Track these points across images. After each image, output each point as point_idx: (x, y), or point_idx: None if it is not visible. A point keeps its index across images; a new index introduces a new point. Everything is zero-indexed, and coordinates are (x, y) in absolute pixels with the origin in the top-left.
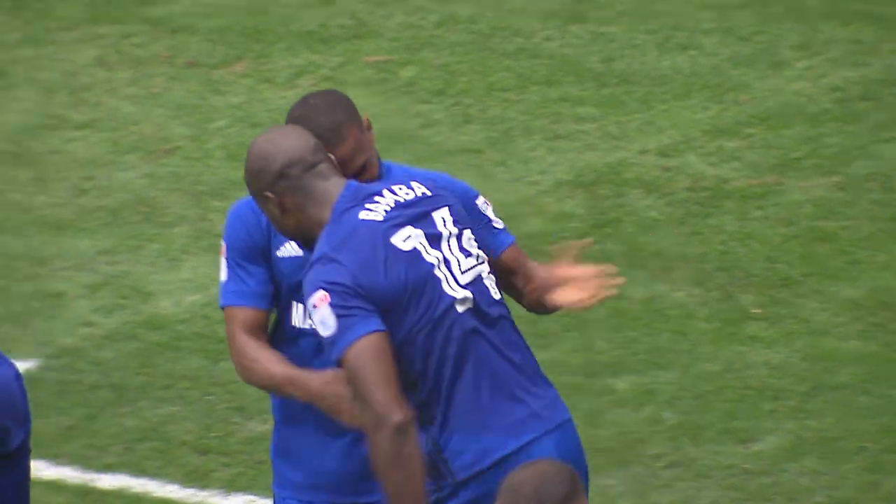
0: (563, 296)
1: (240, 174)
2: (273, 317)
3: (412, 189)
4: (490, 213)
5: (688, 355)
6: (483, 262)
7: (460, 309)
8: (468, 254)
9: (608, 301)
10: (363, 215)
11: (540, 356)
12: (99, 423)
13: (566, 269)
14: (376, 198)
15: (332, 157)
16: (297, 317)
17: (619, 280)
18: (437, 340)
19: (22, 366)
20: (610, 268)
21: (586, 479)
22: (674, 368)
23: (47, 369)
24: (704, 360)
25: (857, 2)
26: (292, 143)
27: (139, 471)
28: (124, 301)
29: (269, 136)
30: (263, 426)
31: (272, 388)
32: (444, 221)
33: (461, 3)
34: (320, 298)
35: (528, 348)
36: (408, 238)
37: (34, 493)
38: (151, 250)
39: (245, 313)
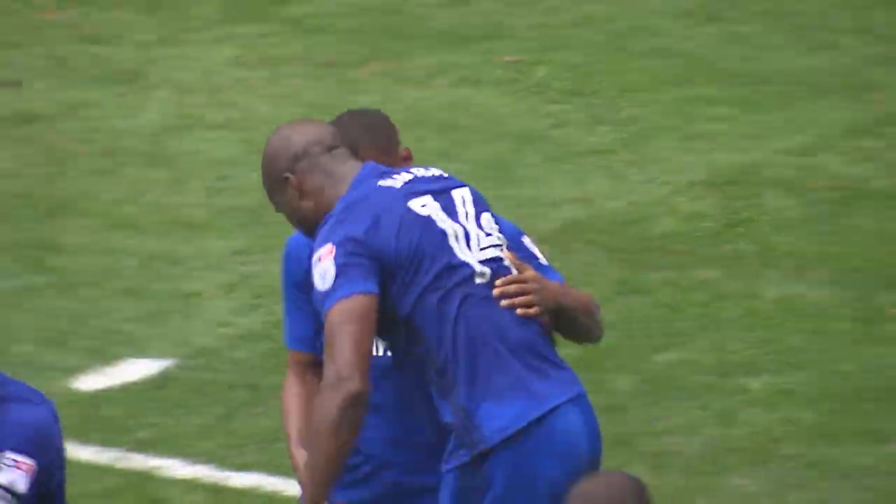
0: None
1: None
2: None
3: (432, 170)
4: (537, 251)
5: (824, 355)
6: (503, 245)
7: (478, 281)
8: (487, 233)
9: (742, 301)
10: (381, 183)
11: (672, 355)
12: (234, 422)
13: None
14: (394, 175)
15: None
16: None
17: None
18: (452, 307)
19: (158, 365)
20: None
21: (600, 454)
22: (809, 368)
23: (183, 369)
24: (841, 360)
25: None
26: (311, 127)
27: (273, 470)
28: (259, 301)
29: (285, 125)
30: None
31: None
32: (464, 200)
33: (595, 2)
34: (327, 251)
35: (544, 328)
36: (425, 206)
37: (169, 491)
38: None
39: (298, 356)
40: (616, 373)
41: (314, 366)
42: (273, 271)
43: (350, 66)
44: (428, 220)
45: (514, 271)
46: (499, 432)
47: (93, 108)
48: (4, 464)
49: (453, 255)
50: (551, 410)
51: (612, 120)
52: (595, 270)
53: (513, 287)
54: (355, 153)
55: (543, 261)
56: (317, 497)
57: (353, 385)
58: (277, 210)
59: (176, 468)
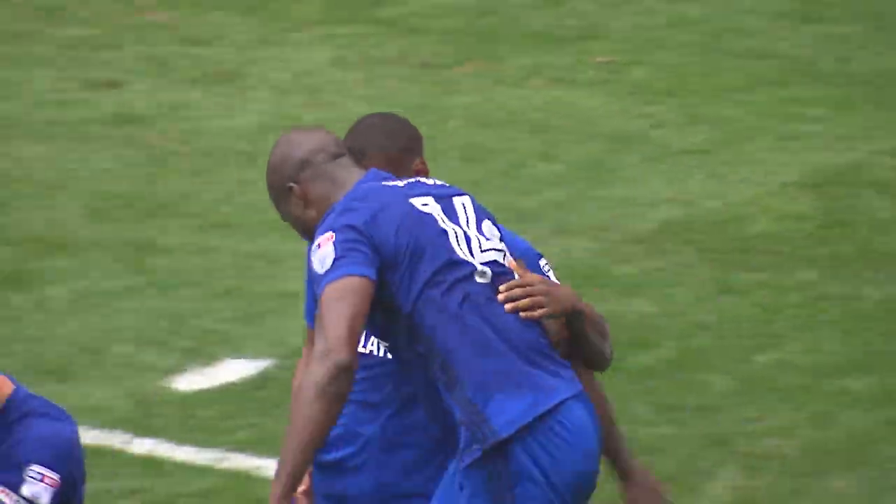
0: None
1: (473, 175)
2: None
3: (435, 180)
4: (551, 275)
5: None
6: (504, 252)
7: (479, 280)
8: (488, 238)
9: (842, 302)
10: (385, 183)
11: (768, 356)
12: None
13: None
14: (397, 179)
15: None
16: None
17: None
18: (453, 302)
19: (256, 365)
20: None
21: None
22: None
23: (280, 368)
24: None
25: None
26: (314, 136)
27: None
28: None
29: (288, 134)
30: None
31: None
32: (465, 207)
33: (691, 3)
34: (326, 238)
35: (546, 331)
36: (426, 205)
37: (262, 490)
38: None
39: (313, 333)
40: (711, 373)
41: None
42: None
43: (445, 66)
44: (430, 218)
45: (517, 276)
46: (508, 425)
47: (192, 109)
48: (29, 477)
49: (454, 252)
50: (558, 405)
51: (707, 120)
52: (690, 271)
53: (517, 291)
54: (363, 158)
55: (558, 281)
56: (292, 465)
57: (340, 356)
58: (283, 219)
59: (270, 468)
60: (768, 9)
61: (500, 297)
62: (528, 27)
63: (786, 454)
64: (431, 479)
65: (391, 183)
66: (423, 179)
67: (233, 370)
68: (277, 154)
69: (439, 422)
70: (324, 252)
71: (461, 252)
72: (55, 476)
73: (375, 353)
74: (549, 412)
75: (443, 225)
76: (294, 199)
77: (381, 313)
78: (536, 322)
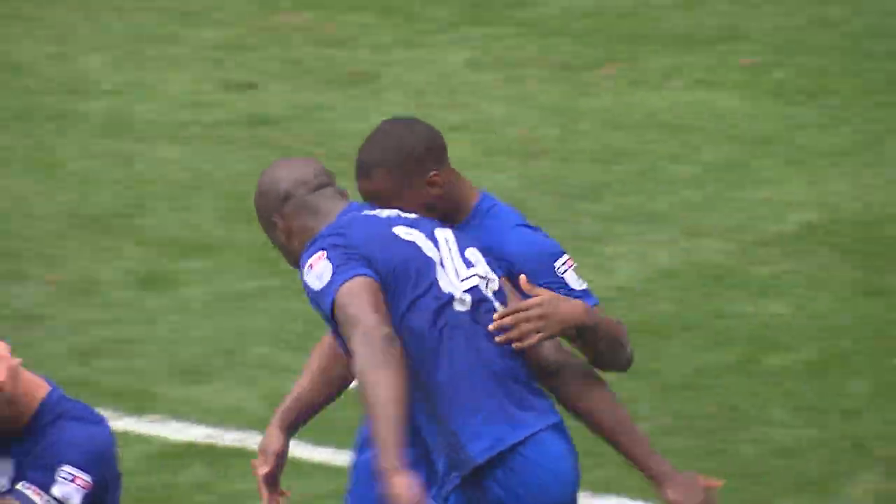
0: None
1: (608, 177)
2: None
3: (415, 216)
4: (569, 275)
5: None
6: (487, 278)
7: (458, 308)
8: (469, 265)
9: None
10: (366, 212)
11: None
12: None
13: None
14: (378, 209)
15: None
16: None
17: None
18: (433, 330)
19: None
20: None
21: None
22: None
23: None
24: None
25: None
26: (296, 168)
27: None
28: None
29: (274, 165)
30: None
31: None
32: (447, 239)
33: (833, 4)
34: (317, 258)
35: (526, 359)
36: (410, 234)
37: None
38: None
39: None
40: (852, 377)
41: None
42: None
43: (584, 68)
44: (413, 245)
45: (496, 304)
46: (484, 452)
47: (327, 111)
48: (61, 477)
49: (435, 280)
50: (532, 436)
51: (849, 122)
52: (831, 273)
53: (507, 320)
54: (371, 168)
55: (577, 285)
56: (393, 438)
57: (380, 329)
58: (273, 245)
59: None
60: None
61: (491, 327)
62: (667, 28)
63: None
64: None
65: (372, 213)
66: (403, 214)
67: None
68: (263, 186)
69: (420, 446)
70: (319, 269)
71: (443, 280)
72: (87, 478)
73: None
74: (524, 441)
75: (426, 252)
76: (279, 232)
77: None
78: (518, 355)
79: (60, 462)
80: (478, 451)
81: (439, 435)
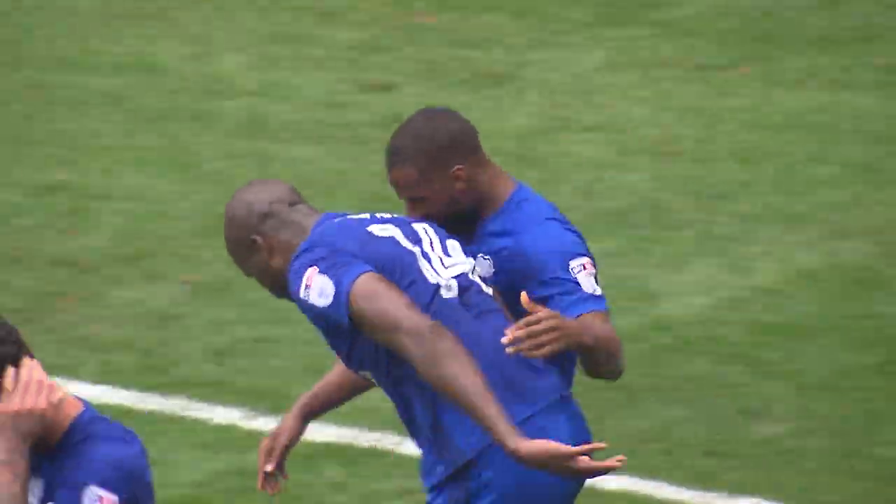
0: None
1: (746, 177)
2: None
3: (391, 214)
4: (583, 277)
5: None
6: (471, 268)
7: (446, 295)
8: (450, 255)
9: None
10: (335, 220)
11: None
12: (605, 424)
13: None
14: (349, 215)
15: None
16: None
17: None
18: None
19: None
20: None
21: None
22: None
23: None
24: None
25: None
26: (269, 187)
27: (645, 473)
28: (631, 303)
29: (240, 191)
30: (772, 428)
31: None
32: (426, 230)
33: None
34: (309, 275)
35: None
36: (385, 230)
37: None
38: (658, 253)
39: None
40: None
41: None
42: (644, 274)
43: (721, 68)
44: (391, 240)
45: (484, 287)
46: (478, 442)
47: (463, 112)
48: (88, 498)
49: (420, 271)
50: (527, 419)
51: None
52: None
53: (521, 332)
54: (398, 158)
55: (588, 289)
56: (494, 408)
57: (427, 321)
58: (247, 274)
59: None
60: None
61: (505, 340)
62: (805, 29)
63: None
64: None
65: (343, 218)
66: (379, 214)
67: None
68: (236, 210)
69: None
70: (318, 285)
71: (427, 271)
72: (114, 497)
73: None
74: (524, 421)
75: (406, 245)
76: (259, 251)
77: (360, 343)
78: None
79: (87, 482)
80: (467, 444)
81: (433, 428)
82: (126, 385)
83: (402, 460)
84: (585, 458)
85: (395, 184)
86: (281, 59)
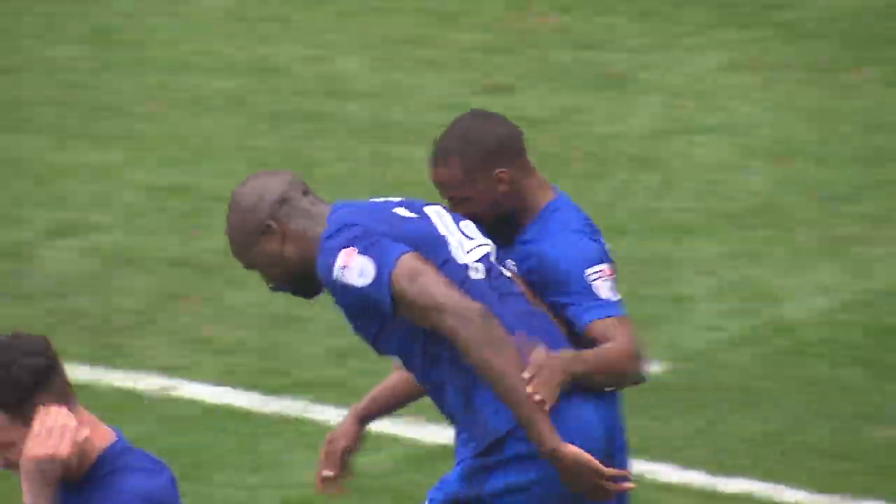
0: None
1: (868, 179)
2: None
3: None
4: (599, 284)
5: None
6: (490, 247)
7: (474, 276)
8: (470, 237)
9: None
10: (357, 202)
11: None
12: (725, 427)
13: None
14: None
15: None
16: None
17: None
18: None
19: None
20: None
21: (623, 443)
22: None
23: (675, 372)
24: None
25: None
26: (280, 175)
27: (764, 476)
28: (749, 305)
29: (253, 177)
30: (893, 431)
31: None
32: (439, 213)
33: None
34: (346, 254)
35: (548, 321)
36: (407, 212)
37: (659, 496)
38: (776, 255)
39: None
40: None
41: None
42: (764, 276)
43: (843, 70)
44: (418, 221)
45: (504, 270)
46: (506, 423)
47: (584, 113)
48: None
49: (448, 252)
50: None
51: None
52: None
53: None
54: (445, 158)
55: (604, 295)
56: (542, 418)
57: (476, 305)
58: (248, 265)
59: (666, 473)
60: None
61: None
62: None
63: None
64: None
65: (365, 202)
66: (392, 198)
67: None
68: (247, 197)
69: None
70: (357, 265)
71: (454, 252)
72: None
73: None
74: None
75: (429, 228)
76: (272, 238)
77: (392, 325)
78: (536, 312)
79: None
80: (499, 422)
81: (466, 406)
82: (246, 387)
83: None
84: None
85: (440, 183)
86: (400, 60)
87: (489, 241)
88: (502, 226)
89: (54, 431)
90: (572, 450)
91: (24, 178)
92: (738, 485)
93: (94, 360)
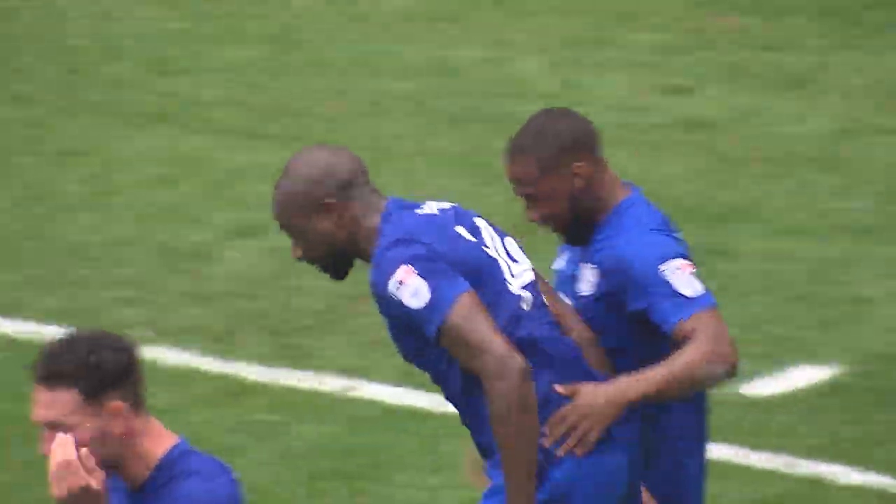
0: None
1: None
2: None
3: (444, 203)
4: (678, 277)
5: None
6: (531, 270)
7: (525, 307)
8: (514, 260)
9: None
10: (419, 212)
11: None
12: None
13: None
14: (422, 206)
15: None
16: None
17: None
18: (517, 331)
19: (829, 371)
20: None
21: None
22: None
23: (854, 375)
24: None
25: None
26: (348, 156)
27: None
28: None
29: (319, 149)
30: None
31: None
32: (492, 237)
33: None
34: (405, 272)
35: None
36: (468, 233)
37: (840, 499)
38: None
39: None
40: None
41: None
42: None
43: None
44: (477, 246)
45: (541, 296)
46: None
47: (764, 115)
48: None
49: (503, 281)
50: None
51: None
52: None
53: (559, 431)
54: (520, 155)
55: (684, 289)
56: (529, 490)
57: (520, 363)
58: (287, 229)
59: (847, 476)
60: None
61: (546, 442)
62: None
63: None
64: None
65: (424, 211)
66: (440, 205)
67: (805, 376)
68: (315, 167)
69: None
70: (413, 285)
71: (507, 279)
72: None
73: None
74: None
75: (490, 254)
76: (327, 216)
77: (431, 347)
78: (567, 341)
79: None
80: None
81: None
82: (426, 387)
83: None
84: None
85: (516, 179)
86: (580, 61)
87: (530, 265)
88: (579, 225)
89: (60, 471)
90: None
91: (204, 179)
92: None
93: (273, 360)
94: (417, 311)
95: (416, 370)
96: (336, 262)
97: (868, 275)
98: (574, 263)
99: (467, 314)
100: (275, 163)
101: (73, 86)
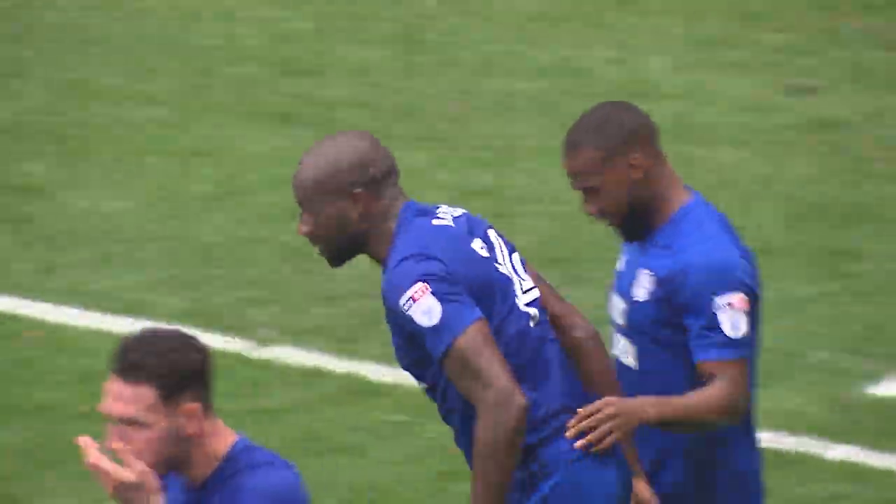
0: None
1: None
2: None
3: (458, 209)
4: (727, 315)
5: None
6: (535, 287)
7: (532, 325)
8: (521, 278)
9: None
10: (435, 222)
11: None
12: None
13: None
14: (437, 211)
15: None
16: None
17: None
18: (520, 356)
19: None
20: None
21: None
22: None
23: None
24: None
25: None
26: (386, 153)
27: None
28: None
29: (357, 137)
30: None
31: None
32: (499, 244)
33: None
34: (420, 289)
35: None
36: (482, 248)
37: None
38: None
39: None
40: None
41: None
42: None
43: None
44: (490, 262)
45: (542, 313)
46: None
47: (889, 115)
48: None
49: (514, 298)
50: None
51: None
52: None
53: (584, 424)
54: (575, 149)
55: (728, 330)
56: None
57: (519, 399)
58: (304, 205)
59: None
60: None
61: (569, 434)
62: None
63: None
64: None
65: (442, 223)
66: (453, 213)
67: None
68: (350, 155)
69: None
70: (426, 304)
71: (519, 298)
72: None
73: None
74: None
75: (502, 271)
76: (352, 205)
77: (432, 360)
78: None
79: None
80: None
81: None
82: None
83: (826, 465)
84: None
85: (574, 172)
86: (705, 62)
87: (532, 281)
88: (635, 219)
89: (101, 475)
90: None
91: None
92: None
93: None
94: (425, 328)
95: None
96: (342, 249)
97: None
98: (633, 266)
99: (477, 342)
100: (400, 163)
101: (201, 87)
